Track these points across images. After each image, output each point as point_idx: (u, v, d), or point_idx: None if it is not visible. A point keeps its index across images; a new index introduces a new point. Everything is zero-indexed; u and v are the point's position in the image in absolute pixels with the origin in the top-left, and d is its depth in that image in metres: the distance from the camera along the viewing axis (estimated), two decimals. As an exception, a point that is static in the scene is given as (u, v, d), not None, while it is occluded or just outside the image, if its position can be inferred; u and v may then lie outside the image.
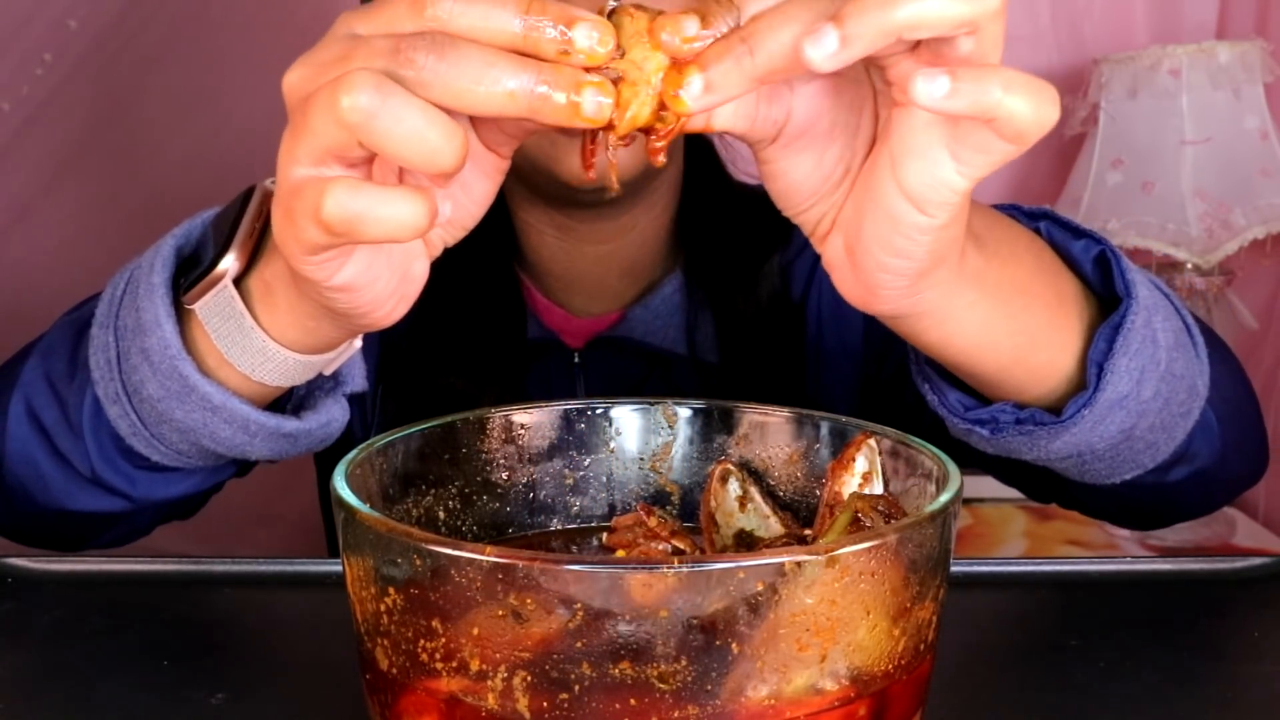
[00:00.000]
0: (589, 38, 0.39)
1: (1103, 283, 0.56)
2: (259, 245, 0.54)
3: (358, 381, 0.60)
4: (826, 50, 0.37)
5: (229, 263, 0.53)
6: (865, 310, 0.48)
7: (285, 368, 0.55)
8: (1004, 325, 0.51)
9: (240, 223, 0.54)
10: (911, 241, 0.44)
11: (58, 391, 0.63)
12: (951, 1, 0.37)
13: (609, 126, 0.41)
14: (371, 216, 0.39)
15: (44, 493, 0.65)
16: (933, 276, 0.46)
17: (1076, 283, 0.56)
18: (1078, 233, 0.57)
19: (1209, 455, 0.63)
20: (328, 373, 0.59)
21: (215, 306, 0.54)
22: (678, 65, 0.39)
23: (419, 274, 0.49)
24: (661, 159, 0.42)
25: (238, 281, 0.54)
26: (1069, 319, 0.54)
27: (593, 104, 0.39)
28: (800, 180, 0.47)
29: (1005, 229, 0.53)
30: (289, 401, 0.61)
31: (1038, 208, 0.58)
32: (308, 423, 0.58)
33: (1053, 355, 0.54)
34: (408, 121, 0.38)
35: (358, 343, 0.58)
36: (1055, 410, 0.55)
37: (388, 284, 0.48)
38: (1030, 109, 0.39)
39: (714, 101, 0.39)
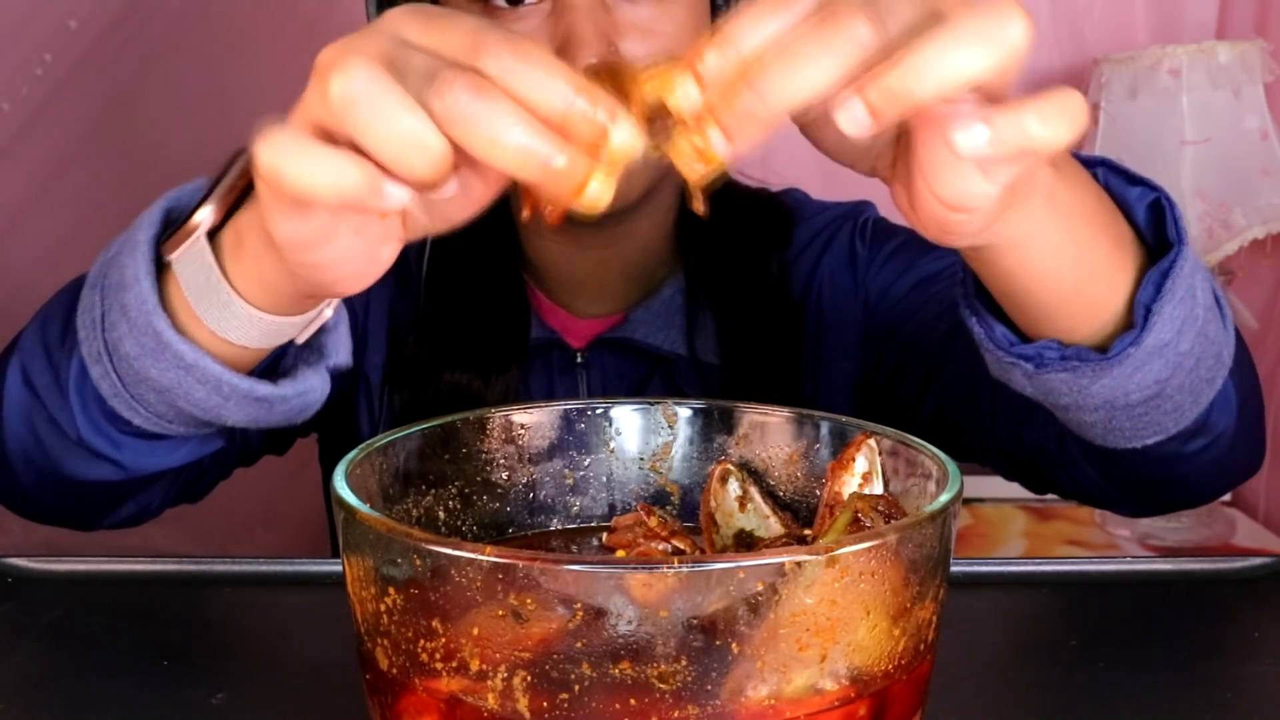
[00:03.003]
0: (626, 138, 0.40)
1: (1153, 232, 0.57)
2: (239, 203, 0.54)
3: (342, 356, 0.60)
4: (860, 124, 0.38)
5: (204, 214, 0.54)
6: (941, 244, 0.49)
7: (250, 326, 0.55)
8: (1073, 252, 0.52)
9: (223, 178, 0.54)
10: (961, 221, 0.45)
11: (51, 356, 0.63)
12: (980, 57, 0.37)
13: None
14: (290, 170, 0.41)
15: (42, 459, 0.65)
16: (1006, 216, 0.47)
17: (1130, 227, 0.56)
18: (1133, 179, 0.57)
19: (1225, 431, 0.63)
20: (299, 341, 0.58)
21: (190, 258, 0.54)
22: (696, 121, 0.40)
23: (386, 258, 0.49)
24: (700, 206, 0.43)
25: (215, 237, 0.54)
26: (1125, 256, 0.55)
27: (594, 193, 0.40)
28: (836, 148, 0.48)
29: (1075, 163, 0.54)
30: (278, 376, 0.61)
31: (1095, 155, 0.59)
32: (283, 389, 0.58)
33: (1108, 291, 0.54)
34: (391, 117, 0.39)
35: (329, 311, 0.57)
36: (1100, 352, 0.55)
37: (354, 264, 0.48)
38: (1065, 129, 0.39)
39: (739, 150, 0.40)
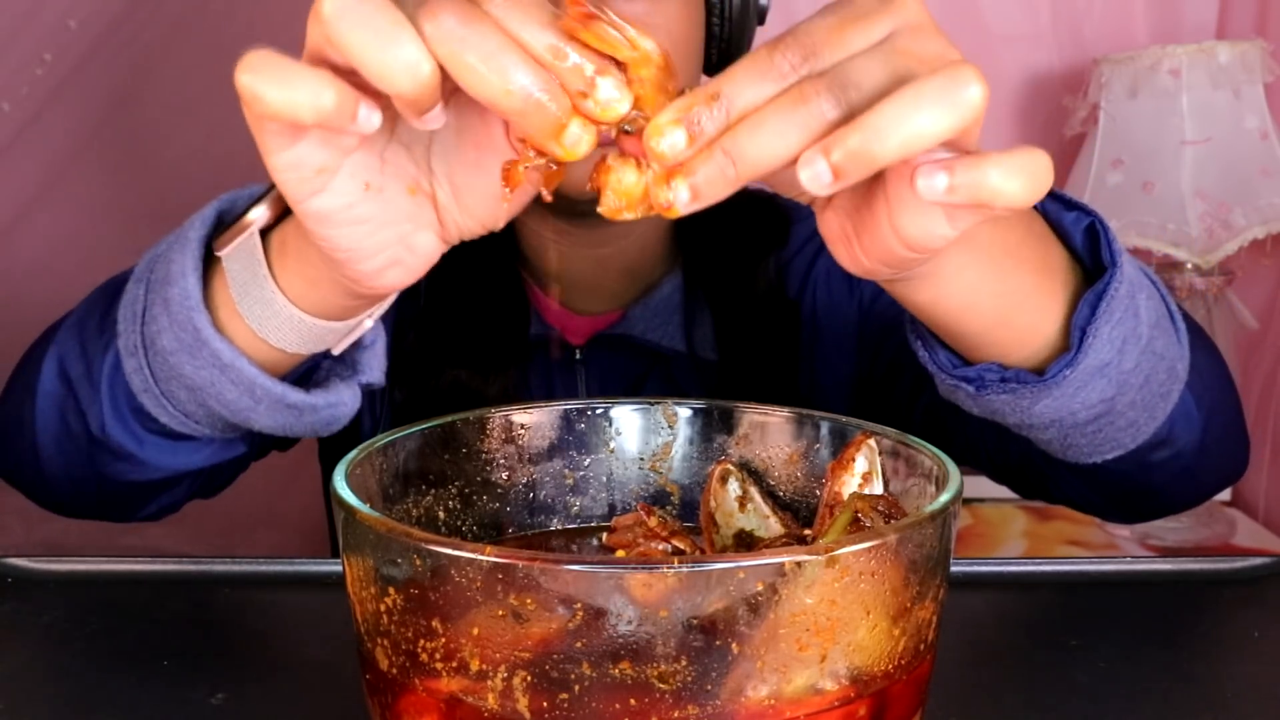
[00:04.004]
0: (612, 93, 0.40)
1: (1091, 255, 0.57)
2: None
3: (375, 374, 0.60)
4: (822, 181, 0.39)
5: (258, 212, 0.54)
6: (861, 276, 0.49)
7: (289, 327, 0.55)
8: (991, 286, 0.52)
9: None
10: (908, 262, 0.46)
11: (87, 348, 0.63)
12: (939, 118, 0.38)
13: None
14: (266, 88, 0.40)
15: (73, 451, 0.65)
16: None
17: (1064, 252, 0.57)
18: (1070, 205, 0.58)
19: (1189, 442, 0.63)
20: (336, 351, 0.59)
21: (239, 254, 0.54)
22: (667, 170, 0.40)
23: (424, 246, 0.50)
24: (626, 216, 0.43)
25: (266, 236, 0.54)
26: (1054, 285, 0.55)
27: (574, 136, 0.40)
28: (781, 177, 0.48)
29: None
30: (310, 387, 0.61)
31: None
32: (314, 398, 0.58)
33: (1036, 319, 0.55)
34: (380, 30, 0.39)
35: (369, 323, 0.58)
36: (1039, 374, 0.55)
37: (376, 237, 0.48)
38: (1025, 188, 0.40)
39: (701, 206, 0.41)
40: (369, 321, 0.58)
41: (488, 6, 0.40)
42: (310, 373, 0.61)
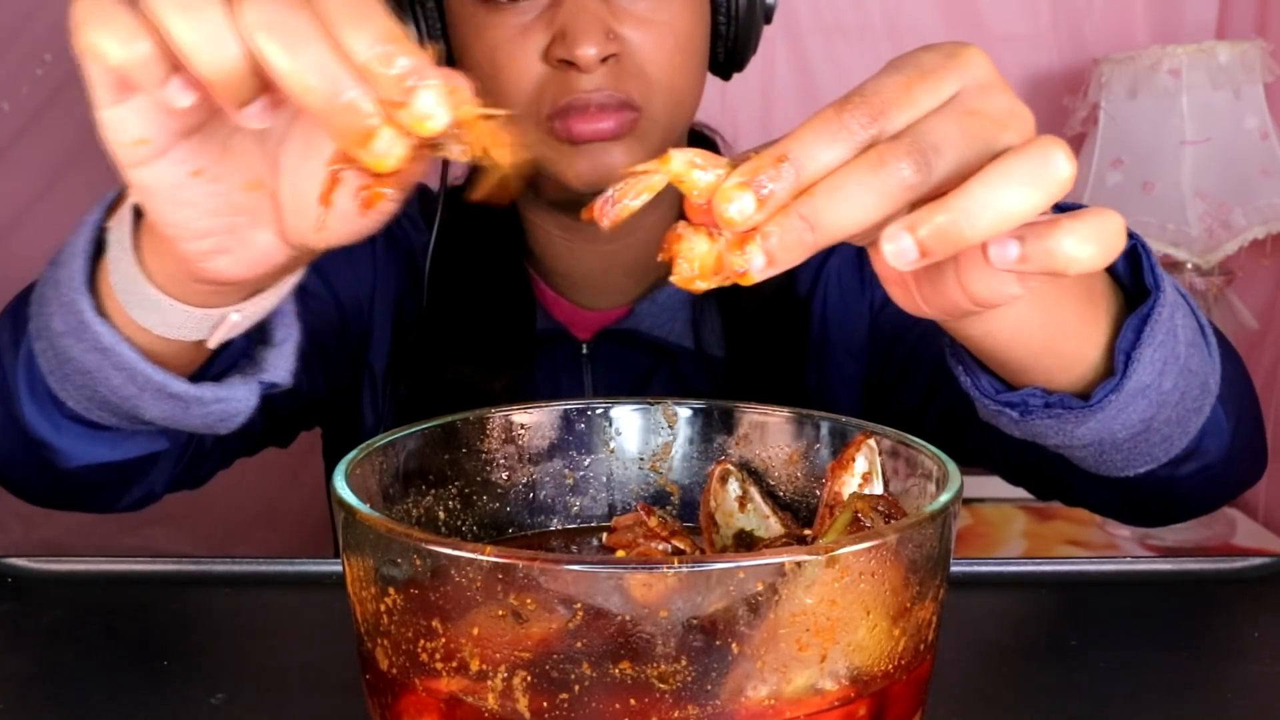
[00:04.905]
0: (429, 106, 0.37)
1: (1130, 276, 0.57)
2: None
3: (280, 375, 0.58)
4: (907, 258, 0.39)
5: None
6: (920, 317, 0.49)
7: (149, 305, 0.53)
8: (1040, 317, 0.52)
9: None
10: (971, 313, 0.47)
11: (17, 331, 0.63)
12: (1028, 198, 0.38)
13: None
14: (90, 21, 0.39)
15: (14, 437, 0.64)
16: None
17: (1106, 276, 0.57)
18: None
19: (1217, 453, 0.63)
20: (210, 345, 0.56)
21: (120, 228, 0.53)
22: (740, 237, 0.39)
23: (261, 243, 0.47)
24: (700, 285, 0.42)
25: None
26: (1097, 311, 0.55)
27: (383, 147, 0.38)
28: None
29: None
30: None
31: (1073, 202, 0.59)
32: (201, 391, 0.56)
33: (1080, 345, 0.55)
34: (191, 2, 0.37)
35: (235, 316, 0.54)
36: (1079, 397, 0.56)
37: (202, 222, 0.46)
38: (1098, 254, 0.39)
39: (777, 271, 0.40)
40: (235, 316, 0.54)
41: (319, 4, 0.38)
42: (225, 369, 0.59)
